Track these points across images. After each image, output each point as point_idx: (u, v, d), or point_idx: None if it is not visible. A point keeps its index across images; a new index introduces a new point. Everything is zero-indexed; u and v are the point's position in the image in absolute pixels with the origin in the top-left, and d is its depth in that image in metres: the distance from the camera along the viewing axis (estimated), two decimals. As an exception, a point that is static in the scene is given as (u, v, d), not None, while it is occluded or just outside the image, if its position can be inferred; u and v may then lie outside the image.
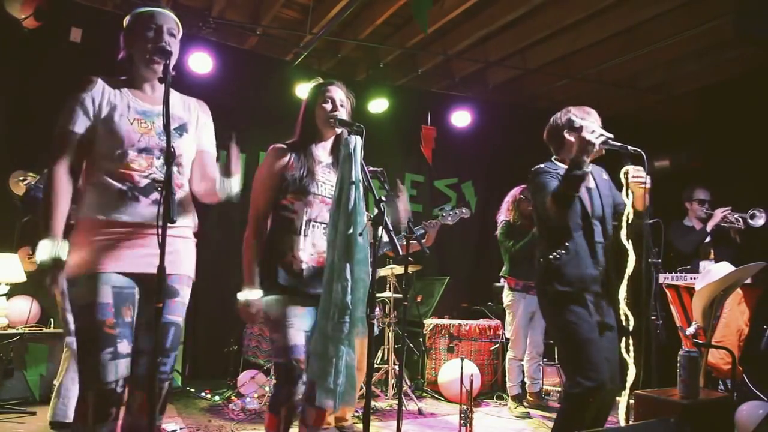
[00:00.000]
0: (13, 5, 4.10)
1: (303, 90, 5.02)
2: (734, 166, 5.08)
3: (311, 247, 2.26)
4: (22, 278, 3.84)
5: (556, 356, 4.49)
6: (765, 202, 4.30)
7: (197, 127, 2.08)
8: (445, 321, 5.06)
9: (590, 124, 2.46)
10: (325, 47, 5.40)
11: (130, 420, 1.87)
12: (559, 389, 4.72)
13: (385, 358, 4.71)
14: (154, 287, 1.80)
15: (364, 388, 2.08)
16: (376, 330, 4.06)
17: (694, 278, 3.69)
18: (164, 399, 1.91)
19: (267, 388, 4.02)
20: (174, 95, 2.01)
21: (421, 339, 4.97)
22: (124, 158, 1.85)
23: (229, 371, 4.48)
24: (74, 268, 1.84)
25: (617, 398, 2.59)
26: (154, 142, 1.90)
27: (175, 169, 1.90)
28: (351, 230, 2.08)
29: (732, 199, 4.45)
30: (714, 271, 3.52)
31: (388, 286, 4.69)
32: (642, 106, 6.11)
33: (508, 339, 4.53)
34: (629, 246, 2.54)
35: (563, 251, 2.47)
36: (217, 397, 4.25)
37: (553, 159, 2.67)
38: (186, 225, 2.03)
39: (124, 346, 1.81)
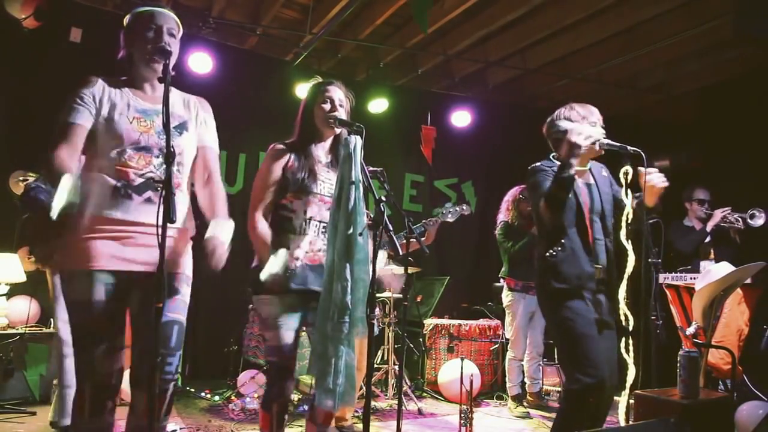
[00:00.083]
0: (13, 5, 4.10)
1: (303, 90, 5.01)
2: (734, 166, 5.08)
3: (308, 245, 2.27)
4: (22, 278, 3.84)
5: (556, 356, 4.49)
6: (765, 202, 4.30)
7: (197, 124, 2.07)
8: (445, 321, 5.06)
9: (579, 126, 2.45)
10: (325, 47, 5.40)
11: (135, 422, 1.86)
12: (559, 389, 4.72)
13: (385, 358, 4.71)
14: (150, 286, 1.80)
15: (364, 388, 2.08)
16: (376, 330, 4.06)
17: (694, 278, 3.69)
18: (169, 400, 1.88)
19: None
20: (174, 93, 2.01)
21: (421, 339, 4.96)
22: (122, 156, 1.85)
23: (229, 371, 4.48)
24: (67, 262, 1.85)
25: (617, 398, 2.59)
26: (154, 140, 1.90)
27: (174, 168, 1.89)
28: (351, 230, 2.08)
29: (732, 199, 4.46)
30: (714, 271, 3.52)
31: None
32: (642, 106, 6.11)
33: (507, 339, 4.53)
34: (629, 246, 2.54)
35: (559, 248, 2.47)
36: (217, 397, 4.25)
37: (551, 157, 2.67)
38: (182, 227, 2.00)
39: (119, 341, 1.84)
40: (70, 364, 2.99)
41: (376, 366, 4.69)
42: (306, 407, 3.90)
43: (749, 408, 3.27)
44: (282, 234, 2.26)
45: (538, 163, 2.62)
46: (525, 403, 4.41)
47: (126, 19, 1.98)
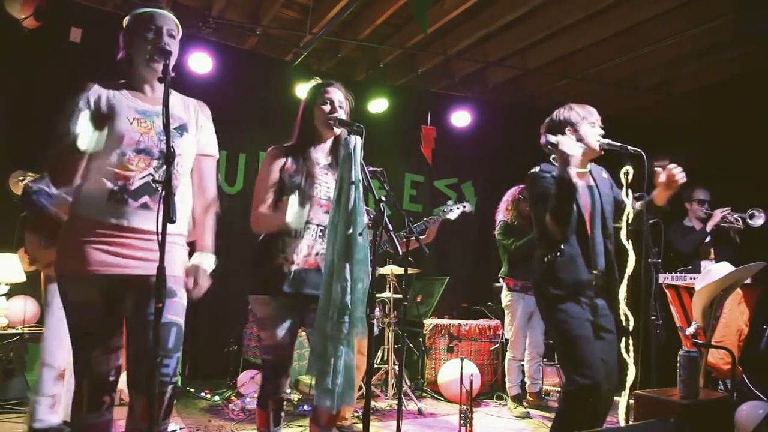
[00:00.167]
0: (13, 5, 4.10)
1: (303, 90, 5.02)
2: (734, 166, 5.08)
3: (306, 248, 2.27)
4: (22, 278, 3.84)
5: (555, 357, 4.49)
6: (765, 202, 4.30)
7: (197, 128, 2.07)
8: (445, 321, 5.06)
9: (563, 137, 2.44)
10: (325, 47, 5.40)
11: (133, 426, 1.85)
12: (559, 389, 4.72)
13: (385, 358, 4.71)
14: (144, 289, 1.82)
15: (364, 388, 2.08)
16: (375, 330, 4.06)
17: (694, 278, 3.69)
18: (168, 403, 1.86)
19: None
20: (174, 96, 2.00)
21: (421, 339, 4.96)
22: (122, 158, 1.84)
23: (229, 371, 4.48)
24: (63, 265, 1.86)
25: (617, 398, 2.59)
26: (154, 142, 1.89)
27: (174, 169, 1.89)
28: (351, 230, 2.08)
29: (732, 199, 4.46)
30: (714, 271, 3.52)
31: (387, 286, 4.69)
32: (642, 106, 6.11)
33: (507, 339, 4.53)
34: (629, 246, 2.54)
35: (558, 254, 2.47)
36: (216, 397, 4.25)
37: (551, 159, 2.66)
38: (178, 232, 1.98)
39: (115, 341, 1.86)
40: (46, 373, 3.00)
41: (376, 366, 4.69)
42: (306, 407, 3.91)
43: (749, 408, 3.27)
44: (276, 237, 2.26)
45: (537, 168, 2.60)
46: (525, 403, 4.40)
47: (125, 21, 1.98)
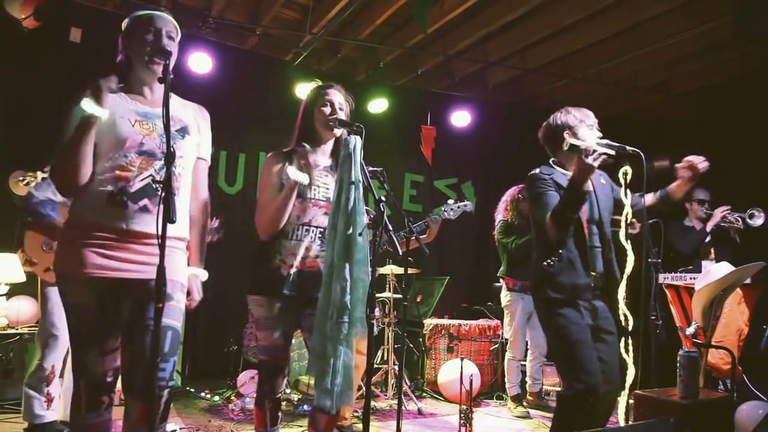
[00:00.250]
0: (13, 5, 4.10)
1: (303, 90, 5.02)
2: (734, 166, 5.08)
3: (304, 251, 2.27)
4: (22, 278, 3.84)
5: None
6: (765, 202, 4.30)
7: (198, 131, 2.08)
8: (445, 321, 5.06)
9: (591, 143, 2.38)
10: (324, 47, 5.40)
11: (130, 430, 1.85)
12: (559, 389, 4.72)
13: (385, 358, 4.71)
14: (142, 293, 1.83)
15: (364, 388, 2.08)
16: (375, 330, 4.06)
17: (694, 278, 3.69)
18: (165, 407, 1.86)
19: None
20: (174, 98, 2.00)
21: (420, 339, 4.97)
22: (124, 160, 1.84)
23: (229, 371, 4.48)
24: (62, 267, 1.86)
25: (617, 398, 2.59)
26: (156, 143, 1.89)
27: (175, 170, 1.89)
28: (350, 230, 2.08)
29: (732, 199, 4.45)
30: (714, 271, 3.52)
31: (387, 286, 4.69)
32: (642, 106, 6.11)
33: (507, 339, 4.53)
34: (629, 246, 2.54)
35: (557, 259, 2.47)
36: (216, 397, 4.25)
37: (550, 162, 2.66)
38: (176, 235, 1.97)
39: (113, 342, 1.87)
40: (39, 373, 3.03)
41: (376, 366, 4.69)
42: (306, 407, 3.91)
43: (749, 408, 3.27)
44: (277, 238, 2.26)
45: (537, 170, 2.59)
46: (525, 403, 4.41)
47: (124, 23, 1.97)
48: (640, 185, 2.55)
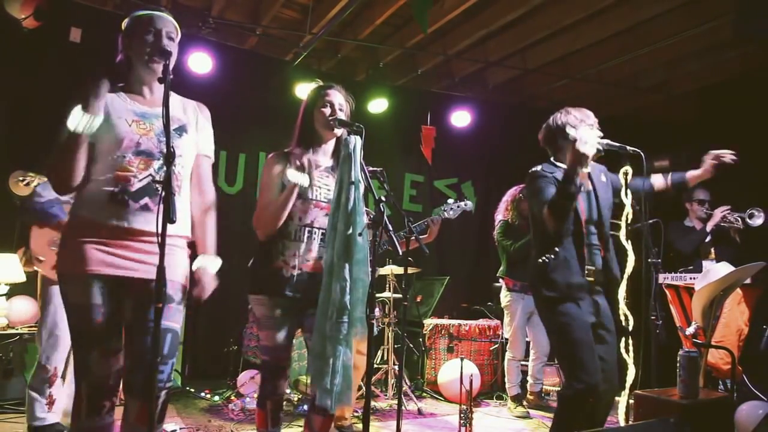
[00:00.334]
0: (13, 5, 4.10)
1: (303, 90, 5.02)
2: (734, 166, 5.08)
3: (306, 252, 2.27)
4: (22, 278, 3.84)
5: (555, 357, 4.49)
6: (765, 202, 4.30)
7: (197, 129, 2.07)
8: (445, 321, 5.06)
9: (584, 133, 2.40)
10: (324, 47, 5.40)
11: (129, 429, 1.86)
12: (559, 389, 4.72)
13: (385, 358, 4.71)
14: (143, 292, 1.82)
15: (364, 388, 2.08)
16: (375, 330, 4.06)
17: (694, 278, 3.69)
18: (162, 407, 1.87)
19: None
20: (173, 97, 2.00)
21: (420, 339, 4.97)
22: (122, 161, 1.85)
23: (229, 371, 4.48)
24: (64, 266, 1.86)
25: (617, 398, 2.59)
26: (153, 143, 1.89)
27: (174, 169, 1.89)
28: (350, 230, 2.08)
29: (732, 199, 4.45)
30: (714, 271, 3.52)
31: (387, 286, 4.69)
32: (642, 106, 6.11)
33: (507, 339, 4.53)
34: (629, 246, 2.54)
35: (552, 256, 2.47)
36: (216, 397, 4.25)
37: (551, 160, 2.66)
38: (177, 234, 1.98)
39: (115, 342, 1.85)
40: (41, 374, 3.00)
41: (376, 366, 4.69)
42: (306, 407, 3.91)
43: (749, 408, 3.27)
44: (279, 239, 2.26)
45: (538, 168, 2.60)
46: (525, 403, 4.40)
47: (124, 23, 1.97)
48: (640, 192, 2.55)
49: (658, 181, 2.65)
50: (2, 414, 3.55)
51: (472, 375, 3.47)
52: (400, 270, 4.48)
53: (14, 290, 3.98)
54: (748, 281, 3.57)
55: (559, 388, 4.72)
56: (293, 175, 2.17)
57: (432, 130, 6.18)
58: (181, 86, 2.14)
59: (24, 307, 4.00)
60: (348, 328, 2.07)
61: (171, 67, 1.89)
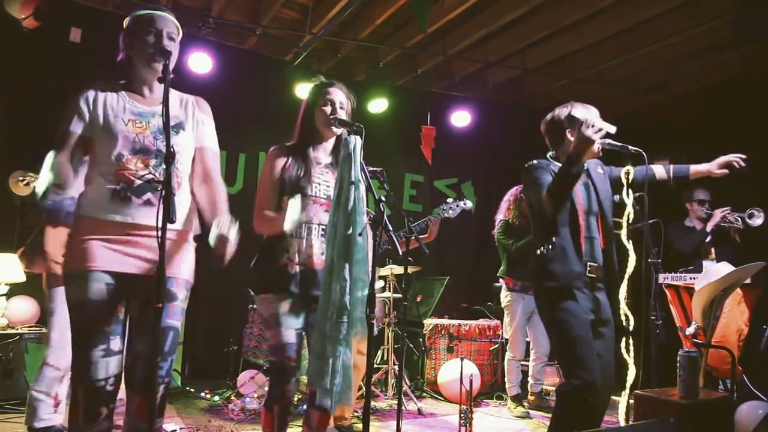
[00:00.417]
0: (13, 5, 4.10)
1: (303, 90, 5.02)
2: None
3: (307, 249, 2.26)
4: (22, 278, 3.84)
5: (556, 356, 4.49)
6: (765, 202, 4.30)
7: (195, 124, 2.07)
8: (445, 321, 5.06)
9: (592, 118, 2.41)
10: (324, 47, 5.40)
11: (129, 423, 1.88)
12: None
13: (385, 358, 4.71)
14: (149, 288, 1.81)
15: (364, 388, 2.08)
16: (375, 330, 4.06)
17: (694, 278, 3.69)
18: (161, 402, 1.89)
19: (266, 389, 4.02)
20: (171, 93, 2.00)
21: (420, 339, 4.97)
22: (120, 159, 1.86)
23: (229, 371, 4.48)
24: (68, 265, 1.86)
25: (617, 398, 2.59)
26: (149, 141, 1.90)
27: (174, 167, 1.90)
28: (350, 230, 2.08)
29: (732, 199, 4.45)
30: (714, 271, 3.52)
31: (387, 286, 4.69)
32: (642, 107, 6.11)
33: (507, 339, 4.53)
34: (629, 246, 2.54)
35: (550, 247, 2.47)
36: (216, 397, 4.25)
37: (548, 156, 2.66)
38: (184, 229, 1.99)
39: (116, 343, 1.84)
40: (49, 373, 2.99)
41: (376, 366, 4.69)
42: (305, 407, 3.90)
43: (749, 408, 3.27)
44: (281, 237, 2.26)
45: (534, 161, 2.60)
46: (525, 404, 4.40)
47: (125, 22, 1.98)
48: (641, 185, 2.55)
49: (659, 170, 2.64)
50: (2, 414, 3.55)
51: (472, 375, 3.47)
52: (400, 270, 4.48)
53: (14, 290, 3.98)
54: (748, 281, 3.56)
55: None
56: (290, 219, 2.13)
57: (432, 130, 6.18)
58: (181, 86, 2.14)
59: (24, 307, 4.00)
60: (348, 328, 2.07)
61: (171, 67, 1.90)
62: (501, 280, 4.52)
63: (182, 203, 1.99)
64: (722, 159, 2.61)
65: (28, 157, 3.85)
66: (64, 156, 1.85)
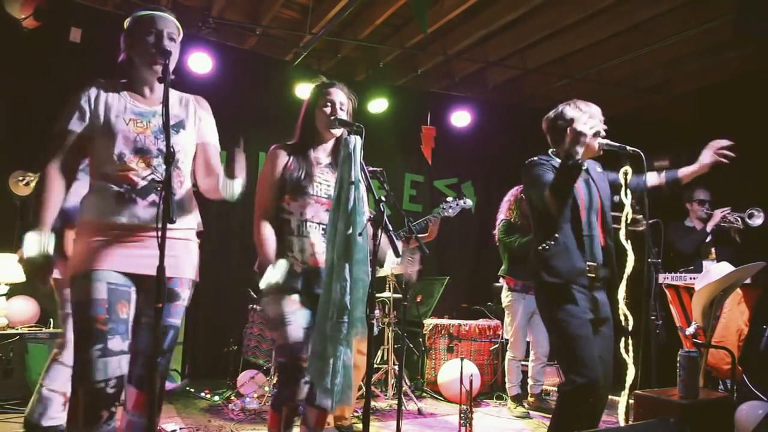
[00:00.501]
0: (13, 5, 4.10)
1: (303, 90, 5.03)
2: (734, 166, 5.08)
3: (309, 247, 2.26)
4: (22, 278, 3.84)
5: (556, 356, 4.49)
6: (765, 202, 4.30)
7: (195, 122, 2.08)
8: (445, 321, 5.06)
9: (583, 116, 2.44)
10: (324, 47, 5.40)
11: (128, 417, 1.90)
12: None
13: (385, 358, 4.71)
14: (153, 288, 1.82)
15: (364, 388, 2.08)
16: (375, 330, 4.06)
17: (694, 278, 3.69)
18: (159, 396, 1.91)
19: (267, 388, 4.02)
20: (171, 93, 2.01)
21: (420, 339, 4.96)
22: (121, 159, 1.86)
23: (229, 371, 4.48)
24: (73, 268, 1.87)
25: (617, 398, 2.59)
26: (150, 141, 1.91)
27: (175, 167, 1.91)
28: (350, 230, 2.08)
29: (732, 199, 4.46)
30: (714, 271, 3.52)
31: (387, 286, 4.69)
32: (642, 106, 6.11)
33: (507, 339, 4.53)
34: (629, 246, 2.54)
35: (552, 243, 2.47)
36: (216, 397, 4.25)
37: (549, 152, 2.67)
38: (187, 227, 2.02)
39: (117, 343, 1.79)
40: (61, 370, 2.97)
41: (376, 366, 4.69)
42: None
43: (749, 408, 3.27)
44: (284, 236, 2.26)
45: (534, 158, 2.61)
46: (525, 404, 4.40)
47: (126, 23, 1.98)
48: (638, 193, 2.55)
49: (652, 178, 2.65)
50: (2, 414, 3.55)
51: (472, 375, 3.47)
52: (400, 270, 4.48)
53: (14, 290, 3.98)
54: (748, 281, 3.57)
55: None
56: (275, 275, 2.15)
57: (432, 130, 6.18)
58: (181, 86, 2.15)
59: (24, 307, 3.99)
60: (348, 328, 2.07)
61: (172, 68, 1.91)
62: (502, 279, 4.52)
63: (185, 202, 2.01)
64: (706, 157, 2.60)
65: (28, 157, 3.87)
66: (55, 165, 1.86)
